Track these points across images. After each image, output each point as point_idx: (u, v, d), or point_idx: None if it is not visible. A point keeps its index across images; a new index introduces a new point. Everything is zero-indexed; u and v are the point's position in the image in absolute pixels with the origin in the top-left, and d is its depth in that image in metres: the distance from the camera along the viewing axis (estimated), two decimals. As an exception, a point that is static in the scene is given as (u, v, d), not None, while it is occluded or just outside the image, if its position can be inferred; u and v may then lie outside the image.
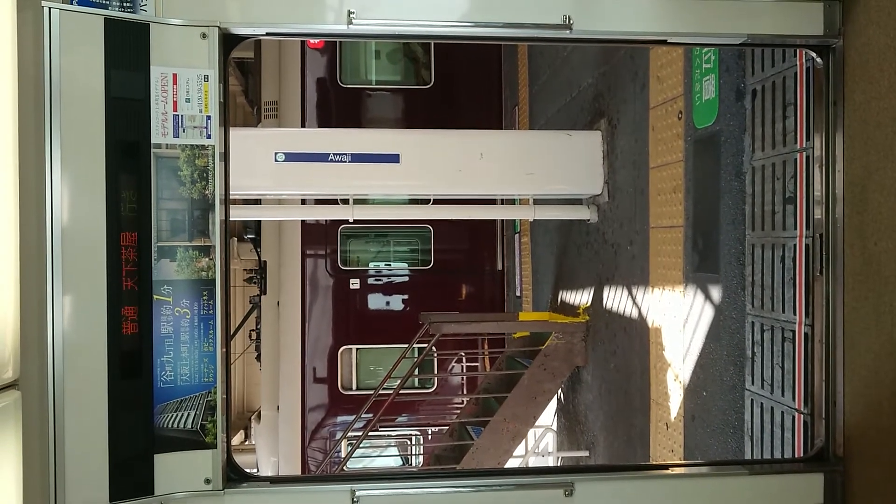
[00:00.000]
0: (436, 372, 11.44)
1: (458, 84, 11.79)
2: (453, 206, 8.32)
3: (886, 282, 2.89)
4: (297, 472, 11.26)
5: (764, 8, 3.06)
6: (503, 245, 11.92)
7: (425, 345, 8.43)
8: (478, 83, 11.89)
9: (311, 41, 11.08)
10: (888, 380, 2.89)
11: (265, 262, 12.01)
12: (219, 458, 2.85)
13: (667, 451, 5.72)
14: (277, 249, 11.72)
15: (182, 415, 2.80)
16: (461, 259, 12.06)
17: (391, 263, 12.12)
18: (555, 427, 9.13)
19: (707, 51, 5.06)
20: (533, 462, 8.92)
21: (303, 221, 11.32)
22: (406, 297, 11.84)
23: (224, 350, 2.87)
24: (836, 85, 3.17)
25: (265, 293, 12.06)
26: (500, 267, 11.98)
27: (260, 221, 11.89)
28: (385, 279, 11.93)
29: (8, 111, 2.35)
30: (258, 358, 13.30)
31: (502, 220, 11.75)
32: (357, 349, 11.71)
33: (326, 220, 11.36)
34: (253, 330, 14.48)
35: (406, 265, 12.02)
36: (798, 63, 3.99)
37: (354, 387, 11.51)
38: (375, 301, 11.86)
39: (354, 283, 11.67)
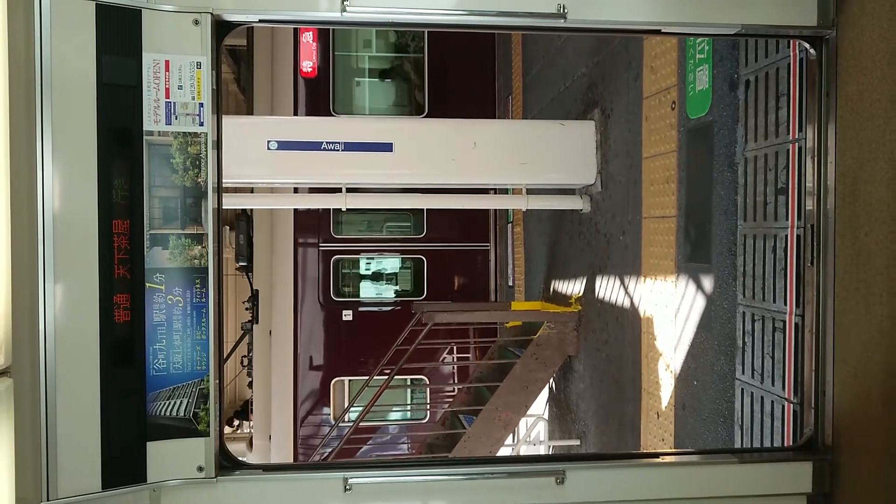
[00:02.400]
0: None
1: (454, 114, 11.59)
2: (446, 196, 8.31)
3: (877, 272, 2.91)
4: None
5: (758, -2, 3.06)
6: (496, 275, 11.84)
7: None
8: (476, 115, 11.67)
9: (304, 69, 11.03)
10: (877, 370, 2.91)
11: (257, 290, 11.86)
12: (211, 446, 2.85)
13: (657, 440, 5.76)
14: (269, 278, 11.62)
15: (174, 402, 2.80)
16: (456, 292, 11.95)
17: (384, 294, 12.03)
18: (546, 416, 9.17)
19: (701, 41, 5.06)
20: (525, 451, 8.97)
21: (295, 251, 11.25)
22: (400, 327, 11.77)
23: (217, 338, 2.87)
24: (829, 76, 3.17)
25: (257, 322, 11.90)
26: (494, 298, 11.94)
27: (252, 249, 11.71)
28: (378, 309, 11.79)
29: (-2, 97, 2.33)
30: (250, 385, 13.18)
31: (496, 256, 11.62)
32: (350, 381, 11.64)
33: (319, 250, 11.30)
34: (244, 356, 14.33)
35: (399, 296, 11.87)
36: (791, 54, 3.99)
37: (347, 418, 11.48)
38: (368, 332, 11.65)
39: (347, 315, 11.57)
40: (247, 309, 12.36)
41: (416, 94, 11.69)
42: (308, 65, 11.12)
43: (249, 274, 12.11)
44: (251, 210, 11.73)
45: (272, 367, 11.64)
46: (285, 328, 11.43)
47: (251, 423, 13.17)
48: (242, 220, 11.75)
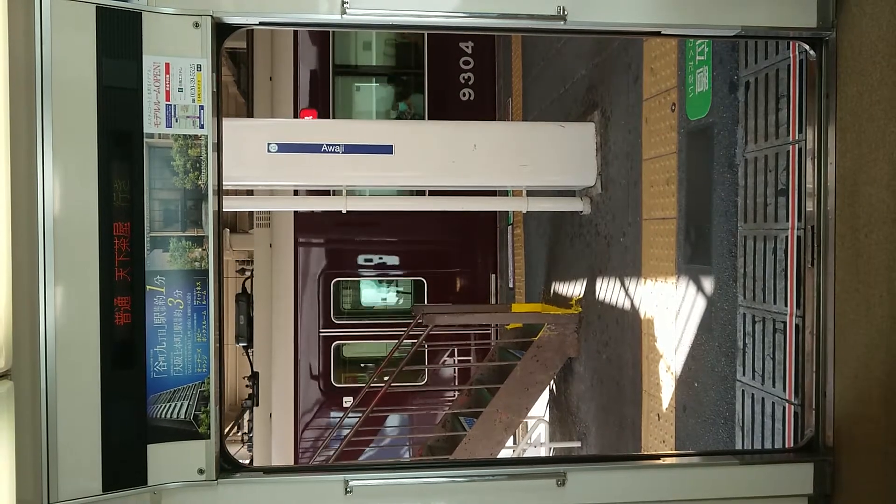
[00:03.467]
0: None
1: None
2: (446, 198, 8.31)
3: (877, 273, 2.91)
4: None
5: None
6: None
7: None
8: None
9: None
10: (878, 371, 2.91)
11: (257, 372, 11.62)
12: (212, 449, 2.85)
13: (658, 442, 5.76)
14: (269, 360, 11.45)
15: (175, 405, 2.80)
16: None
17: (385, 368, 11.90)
18: (547, 418, 9.17)
19: (701, 43, 5.06)
20: (526, 453, 8.96)
21: (295, 338, 11.17)
22: (403, 414, 11.49)
23: (217, 341, 2.87)
24: (829, 77, 3.18)
25: (257, 405, 11.65)
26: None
27: (252, 329, 11.47)
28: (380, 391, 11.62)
29: (-1, 100, 2.33)
30: (251, 463, 13.04)
31: (496, 334, 11.48)
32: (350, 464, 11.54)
33: (319, 336, 11.24)
34: (246, 434, 14.10)
35: (402, 380, 11.66)
36: (791, 55, 4.00)
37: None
38: (371, 421, 11.40)
39: (348, 402, 11.24)
40: (247, 386, 12.23)
41: None
42: None
43: (250, 351, 11.87)
44: (251, 289, 11.59)
45: (272, 454, 11.47)
46: (286, 414, 11.26)
47: None
48: (242, 301, 11.54)
